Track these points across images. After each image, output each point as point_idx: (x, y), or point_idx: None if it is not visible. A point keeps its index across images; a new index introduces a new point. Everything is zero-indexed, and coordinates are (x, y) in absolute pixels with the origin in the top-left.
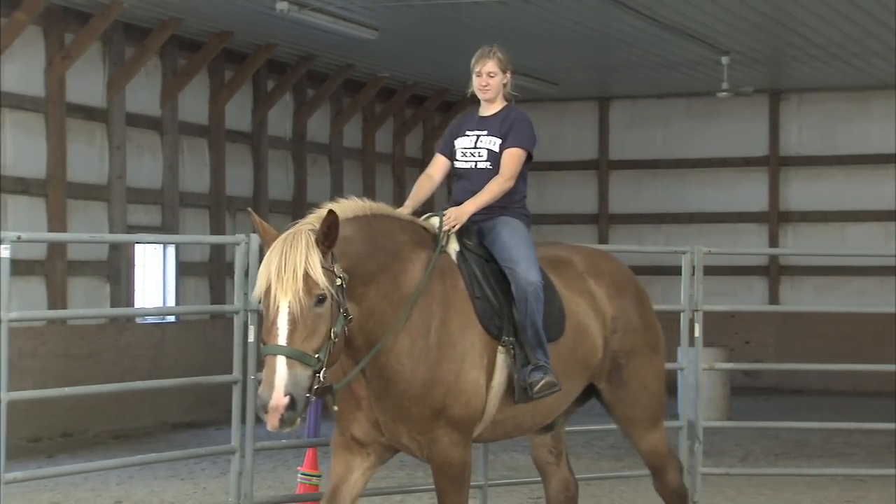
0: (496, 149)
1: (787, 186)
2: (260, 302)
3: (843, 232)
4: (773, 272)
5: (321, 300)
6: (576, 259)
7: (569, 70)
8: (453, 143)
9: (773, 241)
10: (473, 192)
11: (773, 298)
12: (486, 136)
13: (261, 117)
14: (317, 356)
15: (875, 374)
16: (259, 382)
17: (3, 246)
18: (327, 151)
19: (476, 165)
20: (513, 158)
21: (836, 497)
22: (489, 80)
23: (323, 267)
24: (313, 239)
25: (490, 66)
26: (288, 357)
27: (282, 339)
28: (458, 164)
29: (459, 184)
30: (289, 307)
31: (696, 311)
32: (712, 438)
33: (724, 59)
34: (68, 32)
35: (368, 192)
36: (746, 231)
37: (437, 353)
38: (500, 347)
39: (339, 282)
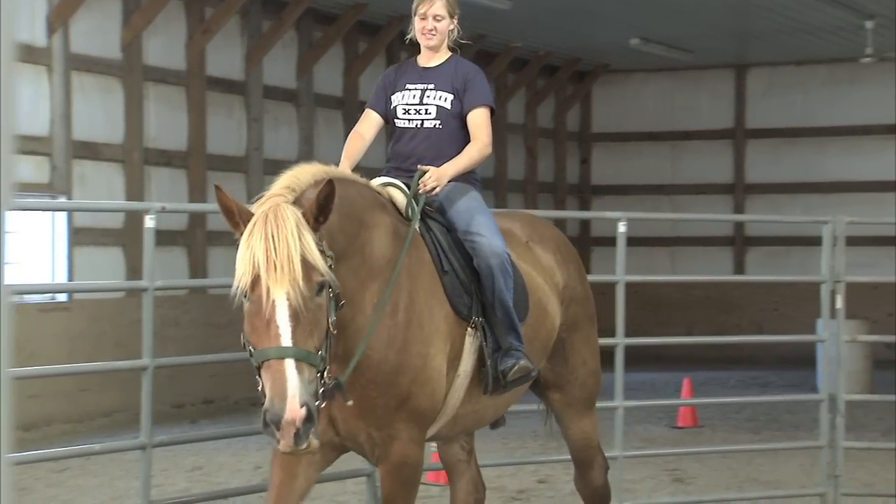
0: (448, 105)
1: None
2: (244, 296)
3: None
4: None
5: (321, 288)
6: (514, 226)
7: (705, 37)
8: (389, 97)
9: None
10: (420, 155)
11: None
12: (433, 91)
13: None
14: (320, 354)
15: None
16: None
17: (148, 216)
18: None
19: (423, 124)
20: (484, 120)
21: None
22: (435, 25)
23: (318, 248)
24: (300, 214)
25: (437, 7)
26: (297, 360)
27: (285, 339)
28: (399, 123)
29: (401, 145)
30: (287, 300)
31: (838, 282)
32: (854, 412)
33: (869, 24)
34: (208, 7)
35: (500, 163)
36: (890, 200)
37: (405, 334)
38: (468, 330)
39: (329, 262)
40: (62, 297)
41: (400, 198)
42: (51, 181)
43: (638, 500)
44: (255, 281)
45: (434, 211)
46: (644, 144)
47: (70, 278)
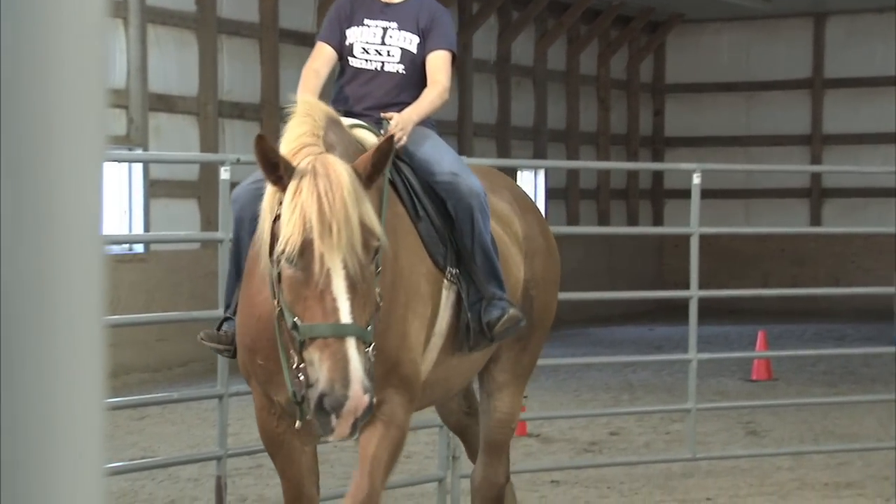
0: (413, 49)
1: None
2: (290, 261)
3: None
4: None
5: (376, 254)
6: None
7: None
8: (344, 31)
9: None
10: (377, 99)
11: None
12: (397, 31)
13: (465, 40)
14: (368, 328)
15: None
16: (299, 373)
17: (223, 168)
18: (531, 74)
19: (383, 67)
20: (445, 63)
21: None
22: None
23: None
24: (351, 170)
25: None
26: (357, 339)
27: (344, 315)
28: (354, 63)
29: (354, 87)
30: (345, 268)
31: None
32: None
33: None
34: None
35: (572, 114)
36: None
37: (390, 294)
38: (444, 282)
39: None
40: (139, 249)
41: (371, 142)
42: (127, 133)
43: (712, 453)
44: (306, 246)
45: (401, 154)
46: (719, 95)
47: (146, 230)
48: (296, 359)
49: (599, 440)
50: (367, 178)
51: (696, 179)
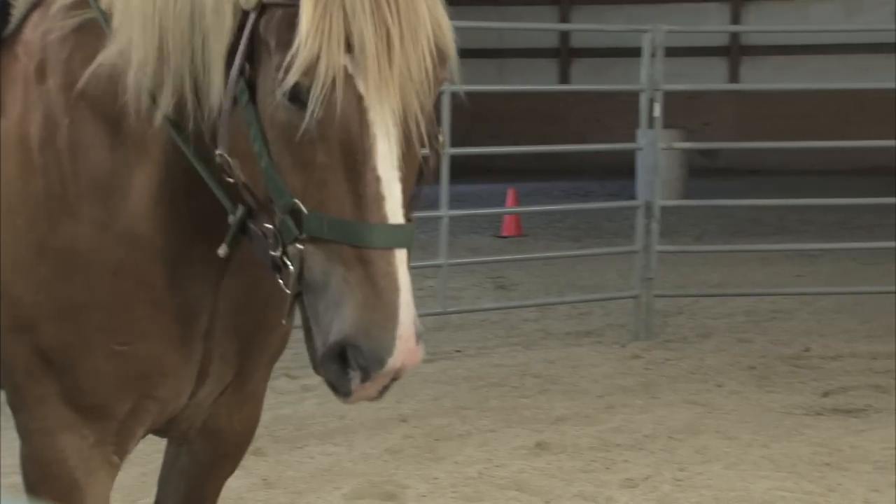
0: None
1: None
2: (301, 101)
3: (806, 10)
4: (734, 52)
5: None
6: None
7: None
8: None
9: (735, 21)
10: None
11: (734, 79)
12: None
13: None
14: None
15: (831, 152)
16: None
17: None
18: None
19: None
20: None
21: (787, 272)
22: None
23: None
24: None
25: None
26: (407, 253)
27: (394, 211)
28: None
29: None
30: (401, 127)
31: (656, 90)
32: (669, 218)
33: None
34: None
35: None
36: (708, 10)
37: None
38: None
39: None
40: None
41: None
42: None
43: (462, 307)
44: (345, 81)
45: None
46: None
47: None
48: (280, 246)
49: None
50: None
51: None
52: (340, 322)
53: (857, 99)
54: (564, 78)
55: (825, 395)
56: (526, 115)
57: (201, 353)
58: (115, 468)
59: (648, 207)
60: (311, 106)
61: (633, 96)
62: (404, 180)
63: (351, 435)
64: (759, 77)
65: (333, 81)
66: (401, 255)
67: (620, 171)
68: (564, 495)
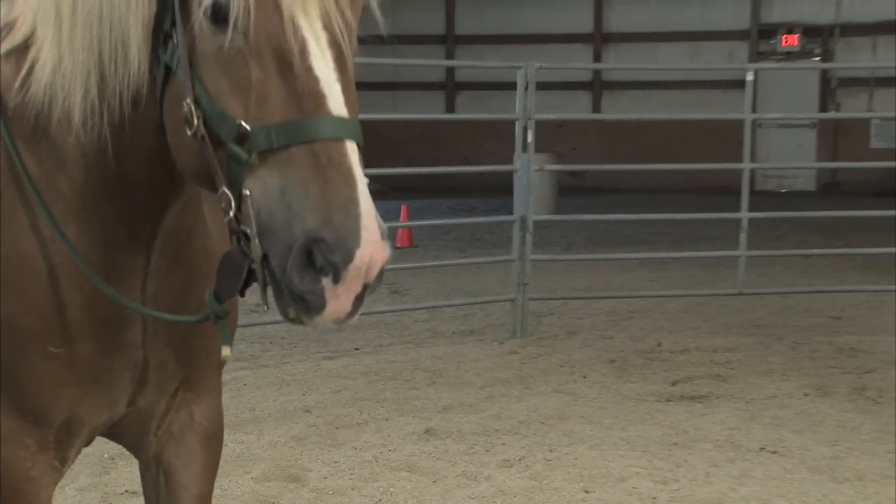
0: None
1: (610, 10)
2: (222, 22)
3: (657, 51)
4: (597, 87)
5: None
6: None
7: None
8: None
9: (597, 59)
10: None
11: (596, 110)
12: None
13: None
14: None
15: (679, 173)
16: (239, 223)
17: None
18: None
19: None
20: None
21: (642, 277)
22: None
23: None
24: None
25: None
26: (358, 146)
27: (337, 104)
28: None
29: None
30: (327, 31)
31: (530, 119)
32: (541, 231)
33: None
34: None
35: None
36: (574, 50)
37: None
38: None
39: None
40: None
41: None
42: None
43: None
44: None
45: None
46: None
47: None
48: (232, 206)
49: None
50: None
51: None
52: (301, 222)
53: (700, 127)
54: (451, 108)
55: (674, 383)
56: (417, 140)
57: (136, 360)
58: (57, 472)
59: (523, 221)
60: (234, 15)
61: (510, 124)
62: (342, 83)
63: (260, 424)
64: (618, 108)
65: None
66: (352, 147)
67: (500, 189)
68: (450, 475)
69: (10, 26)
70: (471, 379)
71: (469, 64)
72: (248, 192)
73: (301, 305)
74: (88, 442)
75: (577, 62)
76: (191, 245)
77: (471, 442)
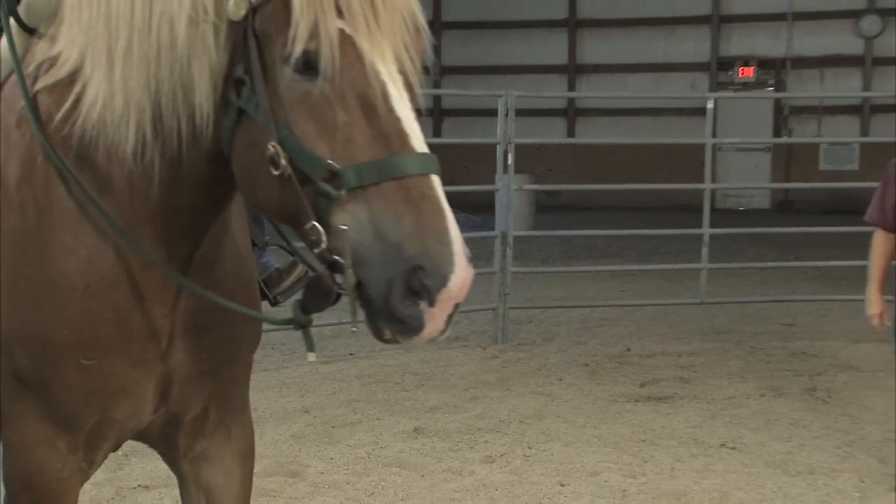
0: None
1: (584, 43)
2: (306, 70)
3: (625, 81)
4: (571, 113)
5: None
6: None
7: None
8: None
9: (572, 88)
10: None
11: (571, 134)
12: None
13: None
14: None
15: (646, 192)
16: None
17: None
18: None
19: None
20: None
21: (614, 287)
22: None
23: None
24: None
25: None
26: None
27: (419, 141)
28: None
29: None
30: (401, 73)
31: (510, 143)
32: (521, 245)
33: None
34: None
35: None
36: (550, 80)
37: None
38: None
39: None
40: None
41: None
42: None
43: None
44: (345, 41)
45: None
46: None
47: None
48: (323, 238)
49: None
50: None
51: None
52: (400, 252)
53: (665, 151)
54: (437, 133)
55: (642, 385)
56: None
57: (160, 374)
58: (84, 474)
59: (504, 237)
60: (323, 63)
61: (492, 148)
62: (417, 121)
63: (262, 424)
64: (591, 133)
65: (336, 40)
66: (437, 181)
67: (482, 207)
68: (436, 470)
69: (52, 61)
70: (456, 381)
71: (454, 92)
72: (345, 227)
73: (400, 327)
74: (116, 447)
75: (554, 91)
76: (221, 265)
77: (456, 440)
